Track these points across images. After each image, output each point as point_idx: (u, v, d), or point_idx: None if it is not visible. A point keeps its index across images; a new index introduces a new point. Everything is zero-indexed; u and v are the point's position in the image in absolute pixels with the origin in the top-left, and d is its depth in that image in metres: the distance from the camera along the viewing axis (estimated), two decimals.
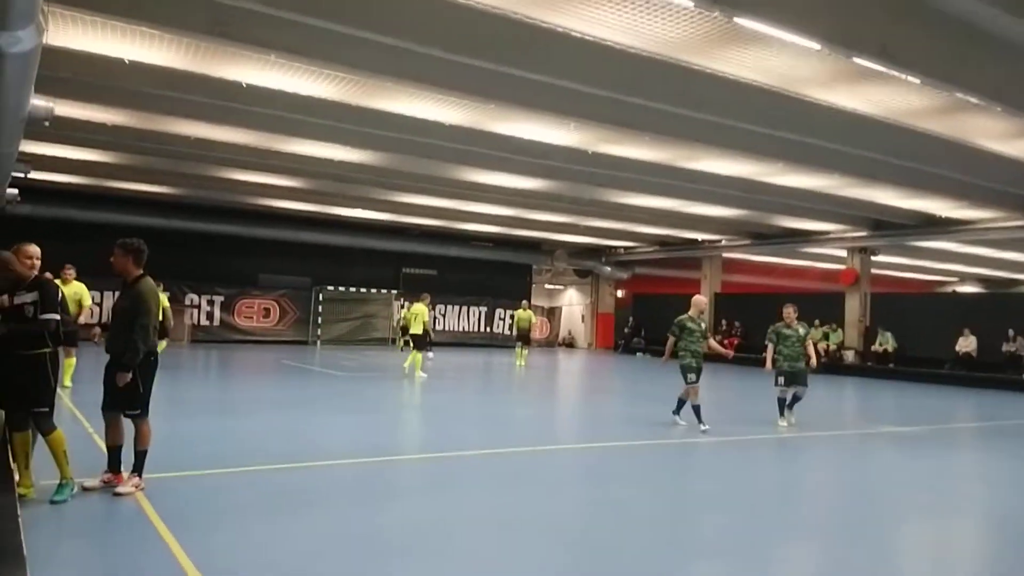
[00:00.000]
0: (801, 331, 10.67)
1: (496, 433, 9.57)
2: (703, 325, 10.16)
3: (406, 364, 15.83)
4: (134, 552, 4.27)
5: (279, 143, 14.83)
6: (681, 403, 10.08)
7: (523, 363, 20.02)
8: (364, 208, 23.12)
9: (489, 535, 4.97)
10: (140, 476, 5.53)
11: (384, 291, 27.65)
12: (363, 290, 27.15)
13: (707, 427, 9.51)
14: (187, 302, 24.51)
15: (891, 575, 4.65)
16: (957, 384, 19.03)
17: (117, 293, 6.09)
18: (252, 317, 25.69)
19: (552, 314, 33.51)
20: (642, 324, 31.15)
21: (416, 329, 16.02)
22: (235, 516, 5.12)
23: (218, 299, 25.09)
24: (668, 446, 8.93)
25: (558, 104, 11.13)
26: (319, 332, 26.21)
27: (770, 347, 10.79)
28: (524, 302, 22.77)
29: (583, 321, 35.33)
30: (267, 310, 25.95)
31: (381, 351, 24.68)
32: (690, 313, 10.12)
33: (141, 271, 5.72)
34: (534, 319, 22.30)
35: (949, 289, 35.81)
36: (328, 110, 11.97)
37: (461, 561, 4.38)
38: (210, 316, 24.99)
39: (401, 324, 23.04)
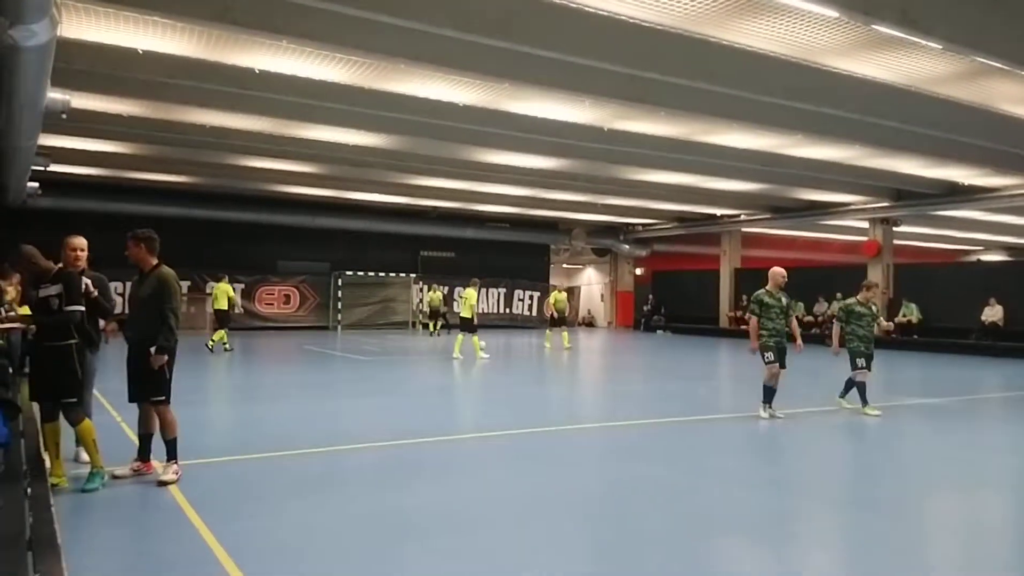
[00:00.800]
0: (784, 300, 9.17)
1: (521, 413, 9.60)
2: (784, 300, 9.12)
3: (456, 349, 16.15)
4: (165, 538, 4.34)
5: (294, 129, 14.85)
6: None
7: (568, 345, 19.70)
8: (380, 192, 23.15)
9: (514, 515, 4.99)
10: (177, 462, 5.58)
11: (403, 275, 27.72)
12: (382, 274, 27.25)
13: (771, 414, 8.82)
14: (207, 290, 24.72)
15: (922, 549, 4.61)
16: (984, 354, 18.79)
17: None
18: (273, 304, 25.90)
19: (571, 293, 33.46)
20: (662, 301, 31.03)
21: (466, 313, 16.59)
22: (263, 501, 5.18)
23: (238, 287, 25.25)
24: (692, 423, 8.90)
25: (572, 81, 11.02)
26: (339, 317, 26.37)
27: (836, 327, 9.99)
28: (555, 284, 22.93)
29: (602, 300, 35.27)
30: (287, 296, 26.14)
31: (402, 334, 24.80)
32: (768, 287, 9.13)
33: (156, 259, 5.78)
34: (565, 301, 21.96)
35: (973, 258, 35.25)
36: (341, 94, 11.94)
37: (487, 541, 4.41)
38: (231, 303, 25.18)
39: (429, 307, 23.28)
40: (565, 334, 19.77)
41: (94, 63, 10.49)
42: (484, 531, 4.61)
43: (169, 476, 5.44)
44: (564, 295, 21.29)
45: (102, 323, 6.04)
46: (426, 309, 25.83)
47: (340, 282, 26.47)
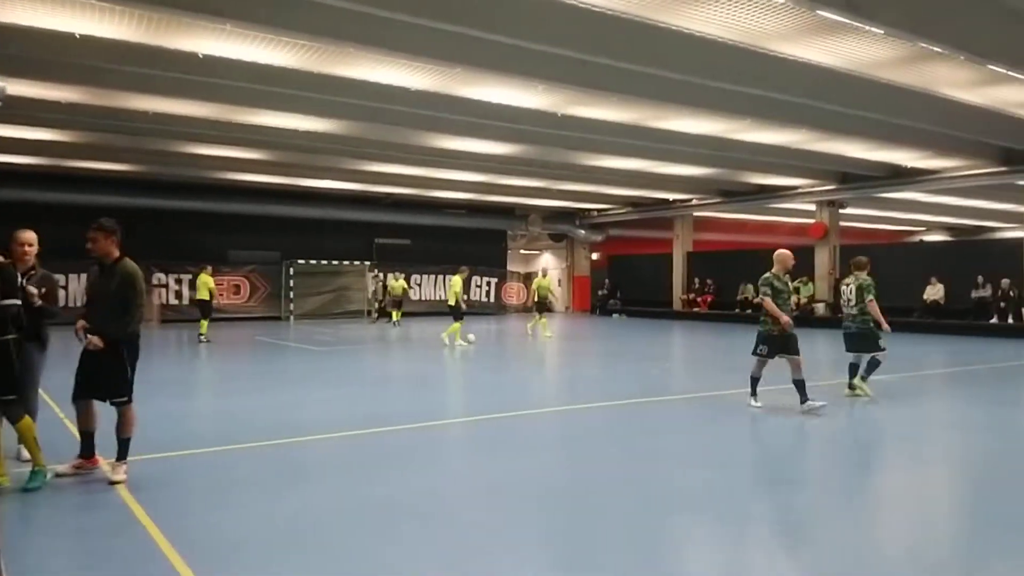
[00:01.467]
0: (789, 285, 8.74)
1: (482, 400, 9.61)
2: (790, 284, 8.57)
3: (445, 336, 16.13)
4: (112, 537, 4.23)
5: (240, 115, 14.52)
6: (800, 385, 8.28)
7: (549, 333, 18.94)
8: (332, 179, 22.83)
9: (477, 500, 5.00)
10: (126, 462, 5.41)
11: (357, 263, 27.43)
12: (335, 262, 26.92)
13: (813, 404, 8.08)
14: (155, 281, 24.14)
15: (872, 524, 4.76)
16: (926, 332, 19.42)
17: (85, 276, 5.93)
18: (222, 294, 25.36)
19: (528, 279, 33.54)
20: (617, 286, 31.35)
21: (451, 300, 16.57)
22: (215, 496, 5.09)
23: (186, 277, 24.70)
24: (647, 404, 9.02)
25: (525, 66, 11.00)
26: (291, 307, 26.00)
27: (873, 305, 9.06)
28: (542, 269, 22.33)
29: (559, 285, 35.43)
30: (237, 286, 25.66)
31: (357, 324, 24.56)
32: (774, 270, 8.47)
33: (119, 252, 5.55)
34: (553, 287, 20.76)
35: (916, 239, 36.37)
36: (289, 79, 11.72)
37: (451, 526, 4.41)
38: (179, 295, 24.63)
39: (391, 296, 22.64)
40: (544, 321, 18.80)
41: (29, 48, 10.10)
42: (447, 517, 4.60)
43: (120, 476, 5.27)
44: (548, 280, 20.00)
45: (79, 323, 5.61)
46: (384, 297, 25.27)
47: (292, 271, 26.07)
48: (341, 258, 27.07)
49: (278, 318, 25.77)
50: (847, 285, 9.33)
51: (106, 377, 5.39)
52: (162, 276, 24.33)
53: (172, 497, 5.00)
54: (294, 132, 15.82)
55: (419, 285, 29.21)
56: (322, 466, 5.95)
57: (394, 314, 23.37)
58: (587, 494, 5.16)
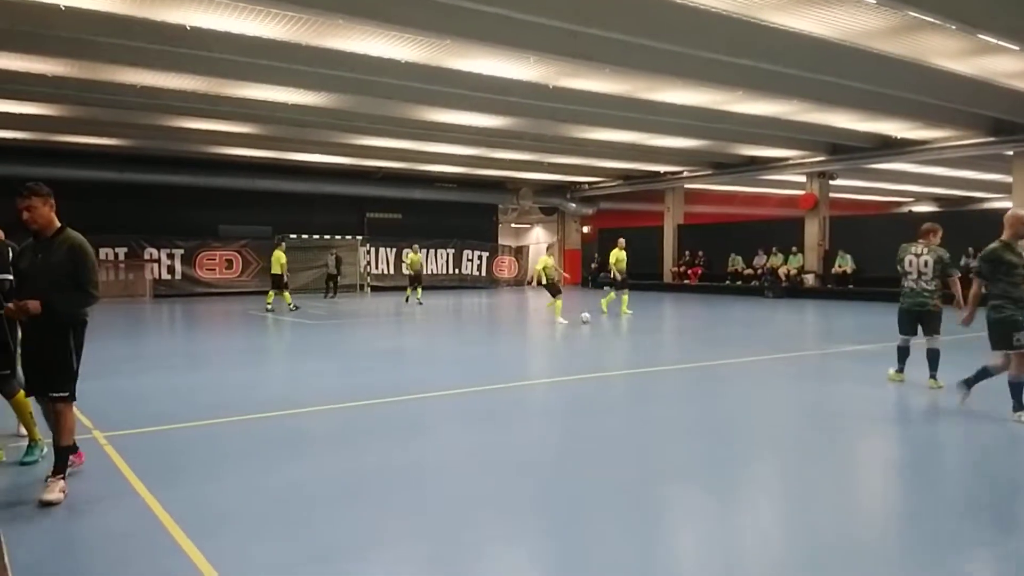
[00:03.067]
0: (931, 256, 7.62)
1: (473, 372, 9.70)
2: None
3: (557, 314, 15.49)
4: (109, 508, 4.29)
5: (230, 88, 14.41)
6: (984, 374, 6.71)
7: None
8: (323, 152, 22.71)
9: (468, 470, 5.09)
10: (64, 476, 4.48)
11: (349, 237, 27.37)
12: (327, 236, 26.86)
13: None
14: (146, 256, 24.08)
15: (856, 487, 4.89)
16: None
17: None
18: (214, 269, 25.37)
19: (520, 253, 33.60)
20: (608, 259, 31.38)
21: (546, 277, 16.18)
22: (211, 468, 5.16)
23: (178, 252, 24.68)
24: (638, 375, 9.14)
25: (516, 38, 10.94)
26: (285, 280, 25.90)
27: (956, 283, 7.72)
28: (547, 247, 20.99)
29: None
30: (229, 261, 25.62)
31: (349, 298, 24.58)
32: (1004, 237, 6.42)
33: (59, 221, 4.65)
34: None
35: (905, 209, 36.53)
36: (278, 51, 11.63)
37: (441, 497, 4.50)
38: (171, 270, 24.61)
39: (412, 270, 21.36)
40: (559, 304, 15.89)
41: (12, 20, 9.98)
42: (440, 487, 4.69)
43: (54, 495, 4.30)
44: (552, 260, 17.07)
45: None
46: (337, 272, 24.04)
47: (284, 245, 25.94)
48: (332, 232, 27.00)
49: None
50: (917, 256, 7.71)
51: (47, 364, 4.51)
52: (154, 252, 24.24)
53: (167, 468, 5.06)
54: (284, 105, 15.71)
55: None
56: (316, 438, 6.03)
57: (409, 291, 21.57)
58: (581, 463, 5.26)
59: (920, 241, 7.80)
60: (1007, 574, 3.48)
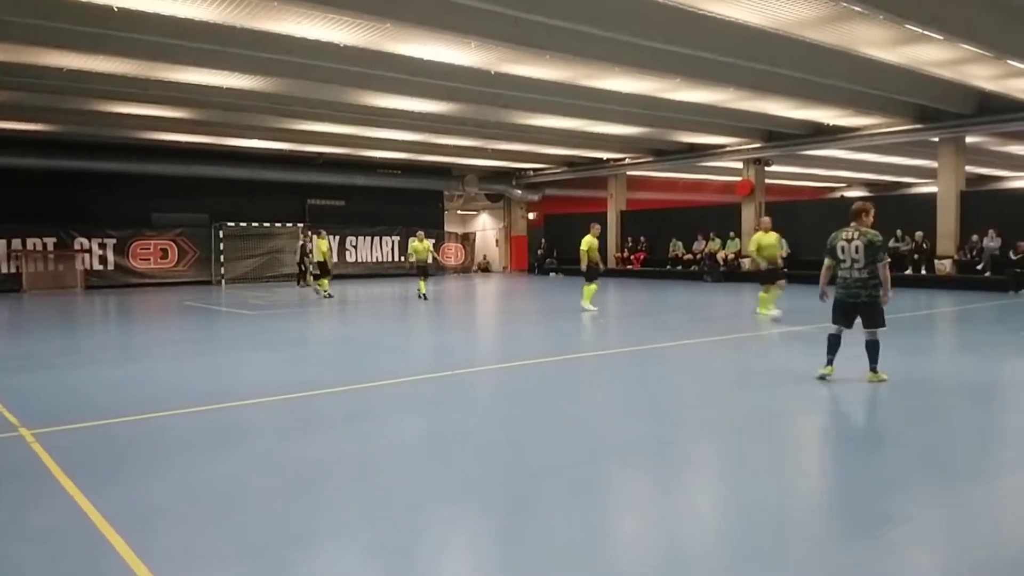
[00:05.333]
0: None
1: (418, 359, 9.66)
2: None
3: (584, 300, 14.70)
4: (36, 508, 4.14)
5: (161, 71, 13.95)
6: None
7: (424, 293, 17.93)
8: (261, 138, 22.18)
9: (412, 456, 5.08)
10: None
11: (290, 224, 26.88)
12: (267, 224, 26.32)
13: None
14: (76, 247, 23.20)
15: (789, 464, 5.06)
16: None
17: None
18: (148, 259, 24.61)
19: (466, 240, 33.51)
20: (554, 245, 31.60)
21: (585, 261, 15.31)
22: (144, 463, 5.03)
23: (110, 242, 23.86)
24: (581, 359, 9.25)
25: (457, 22, 10.87)
26: (222, 271, 25.36)
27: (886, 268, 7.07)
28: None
29: (497, 245, 35.51)
30: (164, 250, 24.89)
31: (291, 287, 24.16)
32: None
33: None
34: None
35: (837, 195, 37.67)
36: (210, 33, 11.30)
37: (384, 485, 4.48)
38: (103, 260, 23.79)
39: (416, 259, 19.94)
40: (421, 282, 17.76)
41: None
42: (383, 475, 4.67)
43: None
44: (426, 243, 17.79)
45: None
46: (304, 260, 22.23)
47: (222, 234, 25.38)
48: (273, 220, 26.47)
49: (209, 282, 25.14)
50: (848, 241, 7.08)
51: None
52: (84, 241, 23.37)
53: (99, 465, 4.90)
54: (218, 89, 15.29)
55: (354, 247, 28.88)
56: (255, 430, 5.93)
57: (421, 284, 18.31)
58: (524, 446, 5.31)
59: (852, 224, 7.13)
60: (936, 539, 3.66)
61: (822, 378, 7.27)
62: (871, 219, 7.15)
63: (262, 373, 8.40)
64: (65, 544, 3.65)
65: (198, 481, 4.54)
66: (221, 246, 25.37)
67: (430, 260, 18.51)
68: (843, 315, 7.27)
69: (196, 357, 9.93)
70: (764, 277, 13.72)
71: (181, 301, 18.62)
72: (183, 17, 10.43)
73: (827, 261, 7.30)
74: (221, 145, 23.20)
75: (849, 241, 7.06)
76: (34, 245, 22.31)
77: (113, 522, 3.82)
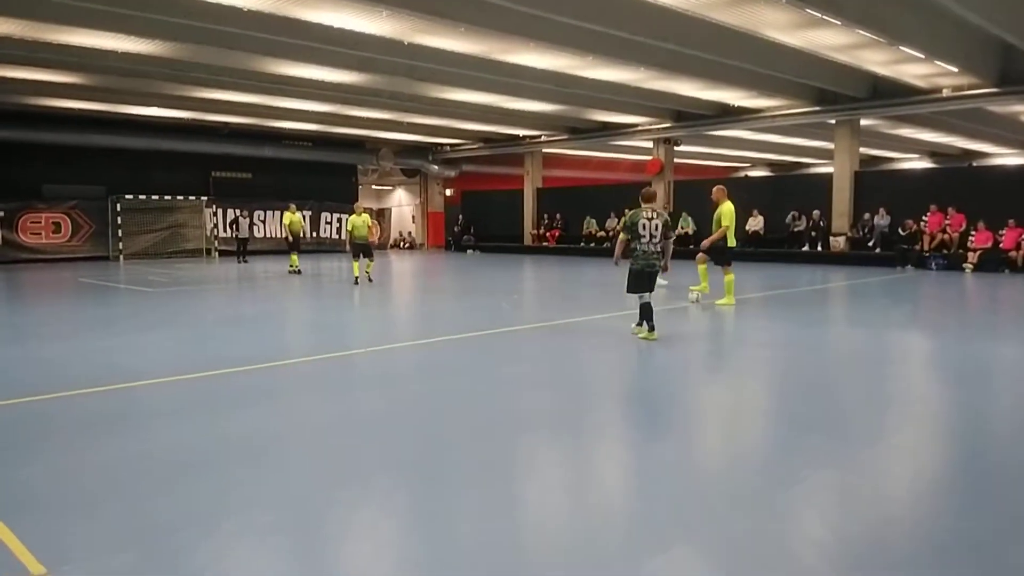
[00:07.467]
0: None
1: (328, 338, 9.49)
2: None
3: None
4: None
5: (51, 33, 13.07)
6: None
7: (295, 268, 18.89)
8: (161, 106, 21.13)
9: (321, 436, 5.01)
10: None
11: (193, 198, 25.80)
12: (168, 197, 25.17)
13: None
14: None
15: (698, 430, 5.26)
16: (747, 260, 21.06)
17: None
18: (40, 233, 23.20)
19: (382, 215, 33.01)
20: (471, 221, 31.55)
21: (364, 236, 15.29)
22: (28, 449, 4.76)
23: None
24: (494, 335, 9.31)
25: None
26: (120, 246, 24.16)
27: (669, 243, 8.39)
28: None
29: (414, 221, 35.16)
30: (57, 224, 23.50)
31: (195, 263, 23.25)
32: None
33: None
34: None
35: (742, 174, 39.05)
36: None
37: (297, 464, 4.41)
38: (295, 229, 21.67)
39: (290, 231, 19.37)
40: (295, 257, 19.11)
41: None
42: (289, 456, 4.58)
43: None
44: (364, 216, 15.89)
45: None
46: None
47: (119, 207, 24.13)
48: (174, 193, 25.35)
49: (106, 258, 23.91)
50: (649, 220, 8.11)
51: None
52: None
53: None
54: (113, 53, 14.45)
55: (262, 222, 28.02)
56: (151, 412, 5.68)
57: (356, 266, 15.86)
58: (436, 421, 5.32)
59: (648, 205, 8.18)
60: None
61: (645, 339, 8.14)
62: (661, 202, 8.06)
63: (160, 353, 8.07)
64: None
65: (88, 464, 4.34)
66: (119, 220, 24.15)
67: (371, 238, 16.18)
68: (648, 282, 8.26)
69: (88, 336, 9.44)
70: (721, 257, 12.20)
71: (75, 278, 17.64)
72: None
73: (622, 236, 8.39)
74: (118, 113, 21.97)
75: (650, 220, 8.12)
76: None
77: None
